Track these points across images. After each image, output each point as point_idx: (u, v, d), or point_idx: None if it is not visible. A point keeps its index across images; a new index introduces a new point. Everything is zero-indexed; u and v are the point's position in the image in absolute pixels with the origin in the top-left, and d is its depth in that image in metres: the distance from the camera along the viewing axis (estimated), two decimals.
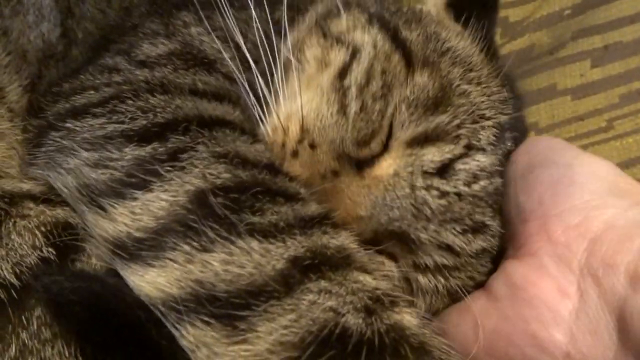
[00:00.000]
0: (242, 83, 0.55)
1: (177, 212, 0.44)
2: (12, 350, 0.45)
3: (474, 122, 0.54)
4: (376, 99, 0.53)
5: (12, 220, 0.49)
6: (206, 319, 0.40)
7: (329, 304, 0.40)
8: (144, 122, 0.50)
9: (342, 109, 0.53)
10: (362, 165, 0.52)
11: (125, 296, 0.43)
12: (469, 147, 0.53)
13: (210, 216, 0.43)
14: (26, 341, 0.45)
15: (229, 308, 0.40)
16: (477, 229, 0.53)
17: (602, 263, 0.45)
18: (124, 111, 0.51)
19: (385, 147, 0.53)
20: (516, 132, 0.59)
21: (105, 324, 0.44)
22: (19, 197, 0.51)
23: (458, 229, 0.52)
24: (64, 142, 0.51)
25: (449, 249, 0.52)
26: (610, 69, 0.79)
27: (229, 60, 0.56)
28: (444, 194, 0.51)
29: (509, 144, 0.58)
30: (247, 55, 0.56)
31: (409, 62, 0.55)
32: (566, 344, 0.45)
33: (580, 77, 0.79)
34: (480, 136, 0.54)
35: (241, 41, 0.56)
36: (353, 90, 0.53)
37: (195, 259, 0.42)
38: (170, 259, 0.43)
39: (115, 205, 0.46)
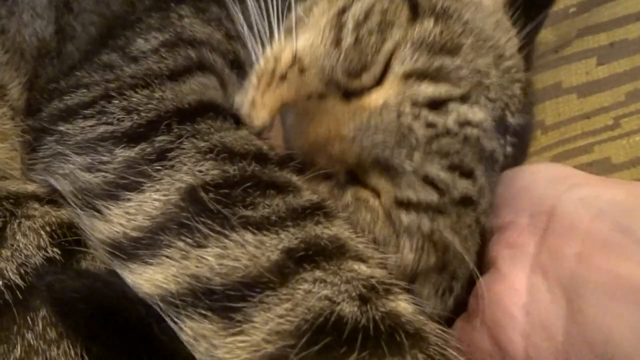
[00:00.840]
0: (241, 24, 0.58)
1: (171, 210, 0.45)
2: (18, 350, 0.45)
3: (480, 85, 0.52)
4: (373, 33, 0.52)
5: (17, 221, 0.50)
6: (203, 312, 0.41)
7: (324, 292, 0.40)
8: (129, 123, 0.51)
9: (336, 41, 0.53)
10: (350, 95, 0.52)
11: (127, 293, 0.44)
12: (468, 97, 0.51)
13: (203, 212, 0.44)
14: (31, 342, 0.45)
15: (225, 300, 0.40)
16: (465, 172, 0.50)
17: (549, 256, 0.45)
18: (112, 112, 0.52)
19: (379, 82, 0.52)
20: (519, 143, 0.58)
21: (108, 321, 0.44)
22: (24, 198, 0.52)
23: (444, 163, 0.49)
24: (58, 147, 0.52)
25: (432, 184, 0.49)
26: (616, 67, 0.78)
27: (218, 40, 0.60)
28: (431, 125, 0.49)
29: (509, 149, 0.56)
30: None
31: (415, 9, 0.54)
32: (522, 342, 0.45)
33: (586, 74, 0.79)
34: (482, 98, 0.52)
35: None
36: (350, 25, 0.53)
37: (190, 254, 0.43)
38: (167, 256, 0.43)
39: (110, 207, 0.47)
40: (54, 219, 0.51)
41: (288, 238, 0.43)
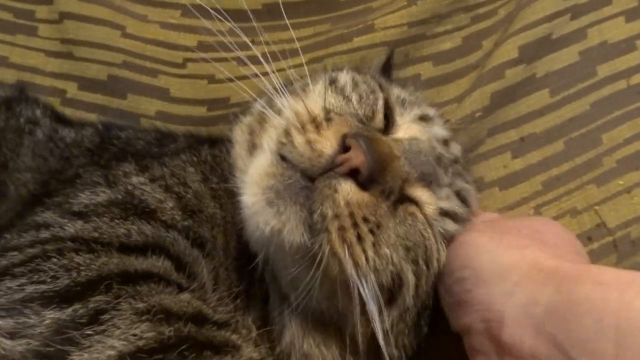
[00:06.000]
0: None
1: None
2: None
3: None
4: (367, 93, 0.66)
5: None
6: None
7: None
8: (67, 280, 0.49)
9: (347, 99, 0.65)
10: (381, 130, 0.63)
11: None
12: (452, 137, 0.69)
13: None
14: None
15: None
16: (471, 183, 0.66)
17: None
18: (47, 270, 0.50)
19: (391, 124, 0.64)
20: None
21: None
22: None
23: (463, 181, 0.65)
24: None
25: (463, 198, 0.63)
26: (530, 159, 0.84)
27: (171, 209, 0.59)
28: (449, 154, 0.65)
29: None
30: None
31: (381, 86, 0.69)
32: None
33: (504, 168, 0.84)
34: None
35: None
36: (348, 89, 0.66)
37: None
38: None
39: None
40: None
41: None
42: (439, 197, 0.60)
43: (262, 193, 0.52)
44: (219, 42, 0.90)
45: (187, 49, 0.92)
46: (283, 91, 0.62)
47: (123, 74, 0.89)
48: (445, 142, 0.66)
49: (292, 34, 0.88)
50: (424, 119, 0.66)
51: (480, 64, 0.88)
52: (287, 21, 0.92)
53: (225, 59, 0.88)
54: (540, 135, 0.84)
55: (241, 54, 0.90)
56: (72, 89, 0.91)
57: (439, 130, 0.66)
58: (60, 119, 0.80)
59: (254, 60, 0.84)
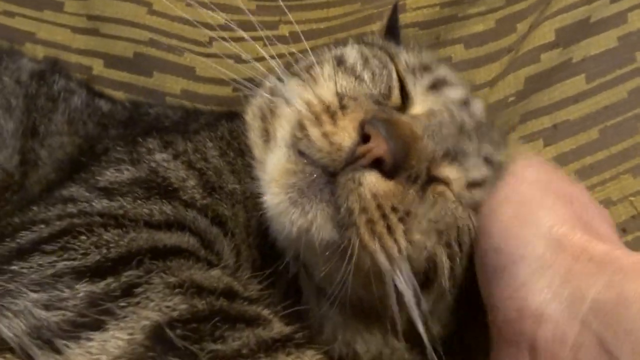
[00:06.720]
0: None
1: (136, 350, 0.43)
2: None
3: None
4: (379, 68, 0.62)
5: None
6: None
7: None
8: (97, 257, 0.49)
9: (359, 78, 0.61)
10: (399, 109, 0.60)
11: None
12: (470, 96, 0.64)
13: (170, 350, 0.42)
14: None
15: None
16: (498, 144, 0.62)
17: None
18: (77, 248, 0.50)
19: (406, 98, 0.61)
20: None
21: None
22: None
23: (490, 143, 0.61)
24: (10, 285, 0.48)
25: (488, 161, 0.59)
26: (563, 146, 0.82)
27: (192, 188, 0.59)
28: (471, 116, 0.61)
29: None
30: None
31: (391, 55, 0.65)
32: None
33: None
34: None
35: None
36: (358, 67, 0.62)
37: None
38: None
39: (71, 346, 0.44)
40: None
41: None
42: (466, 168, 0.57)
43: (284, 192, 0.51)
44: (245, 21, 0.89)
45: (212, 27, 0.91)
46: (287, 76, 0.60)
47: (149, 51, 0.89)
48: (465, 103, 0.62)
49: (322, 13, 0.87)
50: (437, 84, 0.62)
51: (514, 47, 0.86)
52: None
53: (251, 39, 0.87)
54: (574, 123, 0.82)
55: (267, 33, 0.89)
56: (98, 66, 0.90)
57: (455, 92, 0.62)
58: (95, 92, 0.80)
59: (281, 40, 0.83)
